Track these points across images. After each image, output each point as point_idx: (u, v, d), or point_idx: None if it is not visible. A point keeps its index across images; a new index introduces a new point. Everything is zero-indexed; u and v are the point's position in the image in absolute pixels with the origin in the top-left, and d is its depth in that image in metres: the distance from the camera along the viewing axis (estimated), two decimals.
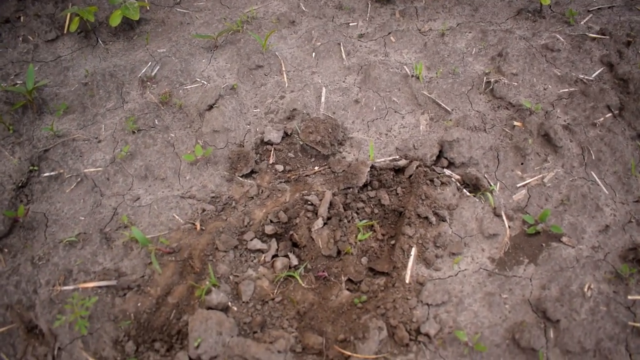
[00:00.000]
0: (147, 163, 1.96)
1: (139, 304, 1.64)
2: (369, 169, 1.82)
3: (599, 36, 2.18)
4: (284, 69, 2.16)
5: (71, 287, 1.66)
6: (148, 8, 2.42)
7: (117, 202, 1.90)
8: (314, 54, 2.20)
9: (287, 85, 2.11)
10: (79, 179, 1.90)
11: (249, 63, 2.16)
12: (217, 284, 1.67)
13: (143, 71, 2.19)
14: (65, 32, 2.34)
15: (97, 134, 2.02)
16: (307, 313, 1.66)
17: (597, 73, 2.07)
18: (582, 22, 2.27)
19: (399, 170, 1.87)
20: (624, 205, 1.81)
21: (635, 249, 1.69)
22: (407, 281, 1.67)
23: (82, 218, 1.82)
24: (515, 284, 1.66)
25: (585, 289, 1.63)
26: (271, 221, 1.78)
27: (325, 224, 1.75)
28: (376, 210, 1.82)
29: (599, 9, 2.35)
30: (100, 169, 1.93)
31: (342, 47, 2.20)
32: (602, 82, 2.03)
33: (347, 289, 1.70)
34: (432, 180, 1.81)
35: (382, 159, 1.89)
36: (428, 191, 1.78)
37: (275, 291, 1.71)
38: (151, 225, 1.85)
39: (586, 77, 2.05)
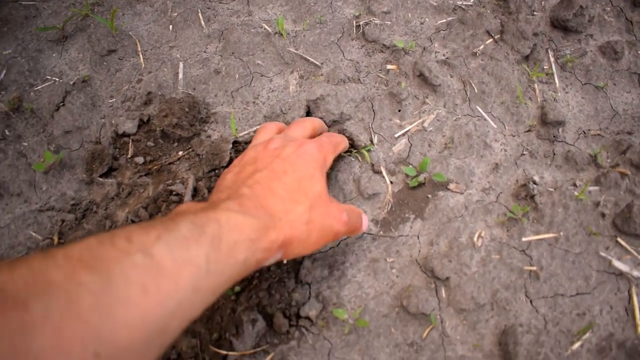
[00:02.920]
0: (0, 180, 1.76)
1: None
2: (231, 146, 1.64)
3: None
4: (139, 49, 1.94)
5: None
6: None
7: None
8: (171, 26, 1.98)
9: (143, 66, 1.90)
10: None
11: (100, 49, 1.94)
12: None
13: None
14: None
15: None
16: None
17: None
18: None
19: None
20: (515, 137, 1.65)
21: (526, 185, 1.54)
22: (283, 262, 1.51)
23: None
24: (402, 245, 1.51)
25: (476, 238, 1.48)
26: (132, 221, 1.60)
27: None
28: None
29: None
30: None
31: (200, 14, 1.98)
32: (481, 6, 1.84)
33: None
34: None
35: (246, 132, 1.70)
36: None
37: None
38: (10, 247, 1.66)
39: (464, 3, 1.86)
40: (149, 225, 0.87)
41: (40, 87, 1.93)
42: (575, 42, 1.77)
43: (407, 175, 1.59)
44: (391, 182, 1.59)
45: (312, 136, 1.45)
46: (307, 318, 1.42)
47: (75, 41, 2.02)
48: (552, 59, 1.75)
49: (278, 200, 1.15)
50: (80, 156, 1.76)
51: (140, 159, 1.72)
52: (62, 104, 1.82)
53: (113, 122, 1.80)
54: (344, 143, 1.51)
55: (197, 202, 1.18)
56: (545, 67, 1.74)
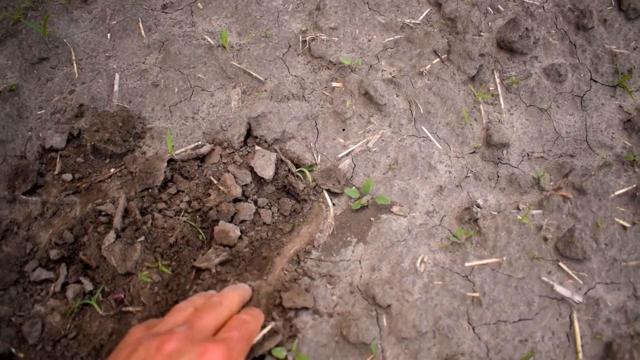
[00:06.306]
0: None
1: None
2: (166, 164, 1.55)
3: None
4: (74, 57, 1.83)
5: None
6: None
7: None
8: (109, 34, 1.88)
9: (77, 76, 1.79)
10: None
11: (30, 56, 1.81)
12: None
13: None
14: None
15: None
16: (104, 346, 1.39)
17: (423, 15, 1.85)
18: None
19: (203, 159, 1.61)
20: (459, 159, 1.63)
21: (469, 208, 1.51)
22: None
23: None
24: (343, 270, 1.46)
25: (418, 264, 1.44)
26: (56, 244, 1.49)
27: (119, 237, 1.47)
28: None
29: None
30: None
31: (140, 23, 1.88)
32: (429, 25, 1.82)
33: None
34: (239, 166, 1.56)
35: (183, 149, 1.62)
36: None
37: (69, 326, 1.43)
38: None
39: (412, 21, 1.84)
40: None
41: None
42: (521, 64, 1.77)
43: (349, 197, 1.54)
44: (333, 205, 1.54)
45: (229, 318, 1.19)
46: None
47: (4, 47, 1.89)
48: (497, 80, 1.74)
49: None
50: (3, 171, 1.64)
51: (68, 176, 1.61)
52: None
53: (40, 135, 1.68)
54: (258, 324, 1.23)
55: None
56: (490, 88, 1.72)
